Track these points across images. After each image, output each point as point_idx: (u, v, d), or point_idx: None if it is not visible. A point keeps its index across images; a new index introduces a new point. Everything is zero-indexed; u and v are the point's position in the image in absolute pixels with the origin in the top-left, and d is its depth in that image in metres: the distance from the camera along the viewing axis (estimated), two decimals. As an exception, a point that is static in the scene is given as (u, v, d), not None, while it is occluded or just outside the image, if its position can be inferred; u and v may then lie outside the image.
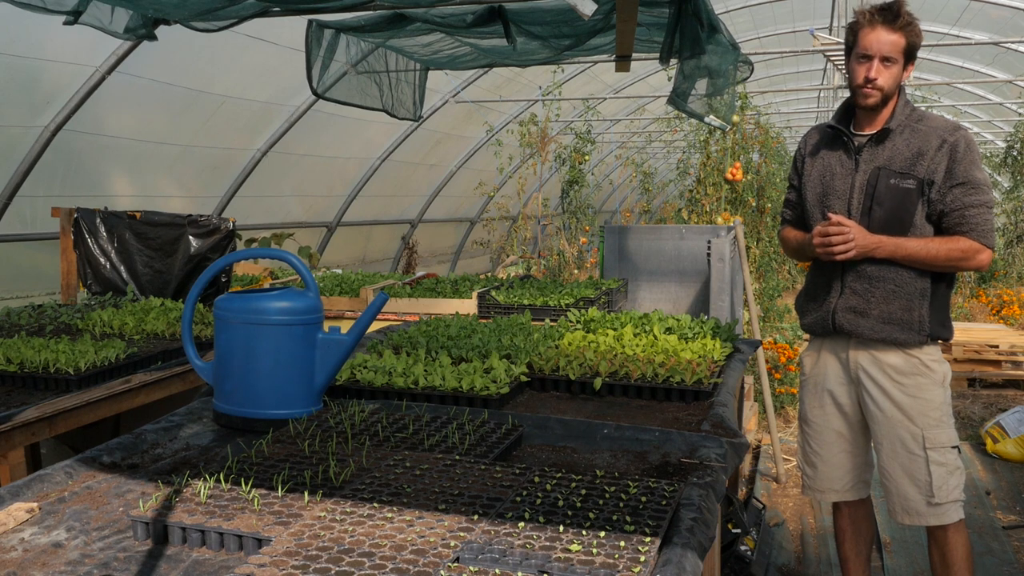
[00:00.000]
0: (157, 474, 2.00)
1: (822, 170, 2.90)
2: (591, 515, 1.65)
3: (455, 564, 1.47)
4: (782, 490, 4.96)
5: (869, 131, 2.83)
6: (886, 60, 2.71)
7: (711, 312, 5.29)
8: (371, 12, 3.71)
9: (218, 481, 1.84)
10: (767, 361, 6.35)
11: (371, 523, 1.63)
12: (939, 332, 2.81)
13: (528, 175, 11.14)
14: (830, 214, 2.77)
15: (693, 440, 2.23)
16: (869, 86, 2.73)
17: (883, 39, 2.70)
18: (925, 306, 2.76)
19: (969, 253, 2.72)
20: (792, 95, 16.51)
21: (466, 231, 13.82)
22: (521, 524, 1.61)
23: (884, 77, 2.72)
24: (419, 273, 7.45)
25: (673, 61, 3.78)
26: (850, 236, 2.71)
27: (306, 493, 1.78)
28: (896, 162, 2.75)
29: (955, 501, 2.80)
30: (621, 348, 3.18)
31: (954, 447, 2.81)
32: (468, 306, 4.98)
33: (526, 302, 4.72)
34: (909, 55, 2.75)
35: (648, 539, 1.55)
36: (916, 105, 2.87)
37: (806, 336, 8.53)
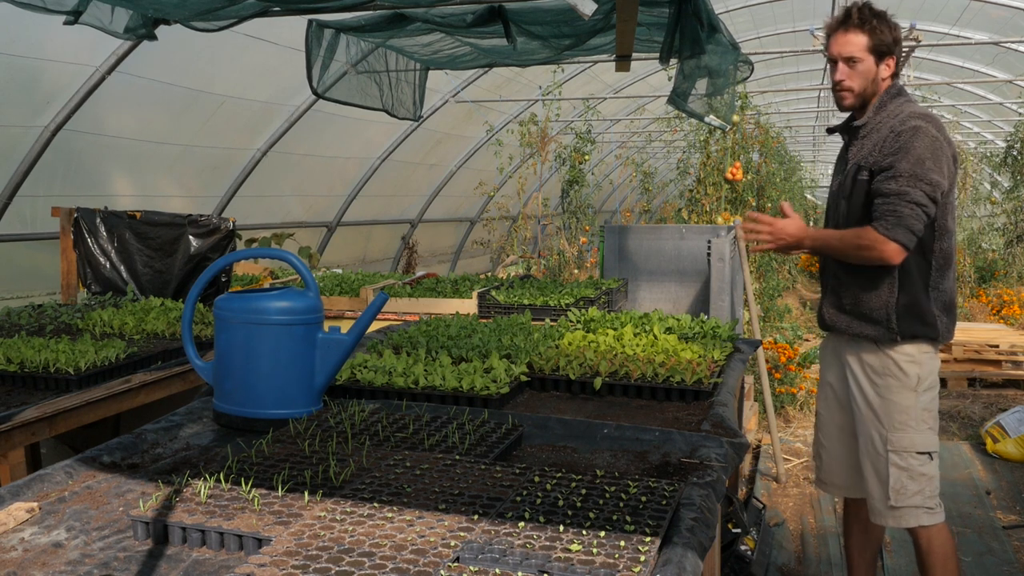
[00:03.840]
0: (157, 474, 2.00)
1: (834, 171, 3.02)
2: (591, 515, 1.65)
3: (455, 564, 1.47)
4: (782, 490, 4.96)
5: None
6: (849, 61, 2.76)
7: (711, 312, 5.30)
8: (371, 12, 3.71)
9: (218, 481, 1.84)
10: (767, 361, 6.34)
11: (371, 523, 1.63)
12: (915, 330, 2.72)
13: (528, 175, 11.13)
14: (750, 213, 2.92)
15: (693, 440, 2.23)
16: (838, 88, 2.80)
17: (841, 41, 2.77)
18: (893, 303, 2.73)
19: (869, 243, 2.65)
20: (792, 95, 16.50)
21: (466, 231, 13.81)
22: (521, 524, 1.61)
23: (851, 78, 2.77)
24: (419, 273, 7.45)
25: (673, 61, 3.79)
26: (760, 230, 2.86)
27: (306, 493, 1.78)
28: (863, 156, 2.80)
29: (916, 507, 2.74)
30: (621, 348, 3.18)
31: (922, 453, 2.74)
32: (468, 306, 4.98)
33: (526, 302, 4.71)
34: (878, 52, 2.75)
35: (648, 539, 1.55)
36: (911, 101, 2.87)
37: (807, 336, 8.54)
